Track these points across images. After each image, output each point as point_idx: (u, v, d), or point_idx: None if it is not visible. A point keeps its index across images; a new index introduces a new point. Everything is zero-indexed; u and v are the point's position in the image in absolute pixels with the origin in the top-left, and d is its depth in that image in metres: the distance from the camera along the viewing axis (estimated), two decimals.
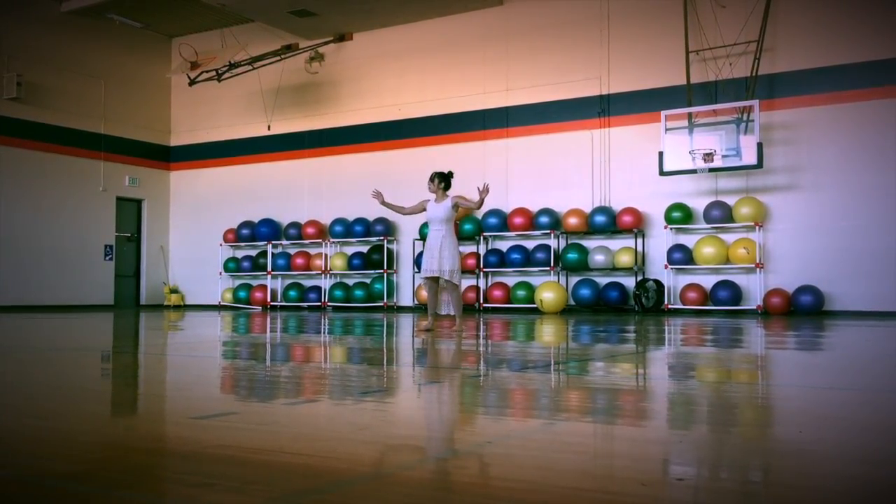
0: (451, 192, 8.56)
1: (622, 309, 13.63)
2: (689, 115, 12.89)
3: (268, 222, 17.19)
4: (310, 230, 16.64)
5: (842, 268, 12.32)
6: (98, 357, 5.95)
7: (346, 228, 16.25)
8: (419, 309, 14.89)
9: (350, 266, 16.07)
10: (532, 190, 14.70)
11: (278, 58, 16.71)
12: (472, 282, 14.83)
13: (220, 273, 17.72)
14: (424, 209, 8.38)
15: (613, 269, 13.70)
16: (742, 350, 6.27)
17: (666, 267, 13.30)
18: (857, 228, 12.29)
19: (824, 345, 6.77)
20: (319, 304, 16.26)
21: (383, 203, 8.57)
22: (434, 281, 8.25)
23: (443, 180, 8.28)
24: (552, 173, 14.58)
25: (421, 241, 15.34)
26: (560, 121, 14.60)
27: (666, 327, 9.21)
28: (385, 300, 15.70)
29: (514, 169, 14.98)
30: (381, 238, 15.85)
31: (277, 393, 3.70)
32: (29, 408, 3.21)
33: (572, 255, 13.85)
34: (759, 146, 12.23)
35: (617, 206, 13.90)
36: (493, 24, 15.39)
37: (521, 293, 14.11)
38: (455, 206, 8.23)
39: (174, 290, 18.51)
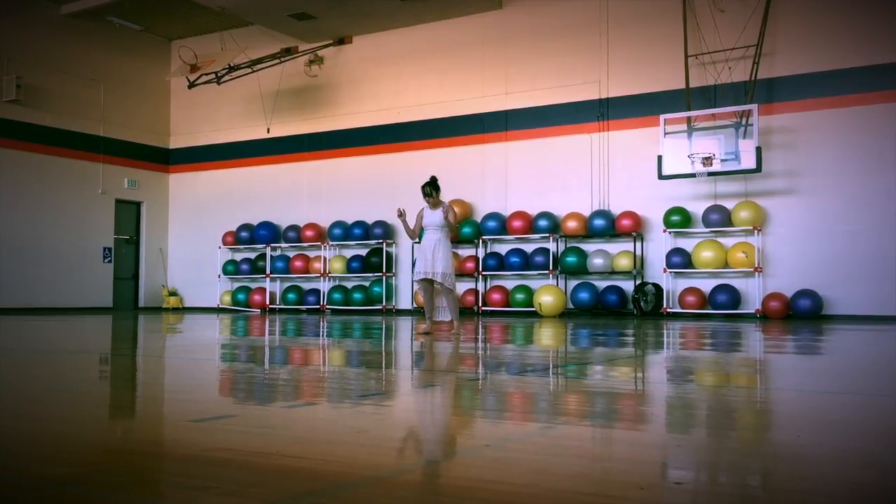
0: (447, 197, 8.62)
1: (621, 313, 13.63)
2: (689, 119, 12.90)
3: (267, 225, 17.18)
4: (309, 233, 16.64)
5: (840, 272, 12.33)
6: (96, 360, 5.95)
7: (345, 231, 16.25)
8: (418, 312, 14.88)
9: (349, 269, 16.06)
10: (531, 193, 14.70)
11: (277, 61, 16.72)
12: (471, 285, 14.84)
13: (219, 276, 17.72)
14: (419, 215, 8.44)
15: (612, 272, 13.69)
16: (740, 354, 6.27)
17: (665, 271, 13.30)
18: (855, 232, 12.30)
19: (822, 349, 6.78)
20: (318, 307, 16.25)
21: (404, 221, 8.45)
22: (429, 283, 8.28)
23: (434, 189, 8.32)
24: (551, 177, 14.59)
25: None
26: (559, 124, 14.61)
27: (664, 331, 9.21)
28: (384, 303, 15.70)
29: (513, 172, 14.98)
30: (380, 241, 15.85)
31: (276, 396, 3.69)
32: (27, 410, 3.21)
33: (571, 259, 13.86)
34: (758, 150, 12.24)
35: (616, 210, 13.91)
36: (492, 28, 15.41)
37: (519, 296, 14.11)
38: (446, 213, 8.27)
39: (173, 293, 18.50)
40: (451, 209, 8.35)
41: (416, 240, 8.79)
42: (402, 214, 8.47)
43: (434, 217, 8.28)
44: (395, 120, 16.27)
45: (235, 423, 2.88)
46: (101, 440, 2.64)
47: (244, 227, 17.46)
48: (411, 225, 8.49)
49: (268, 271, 16.94)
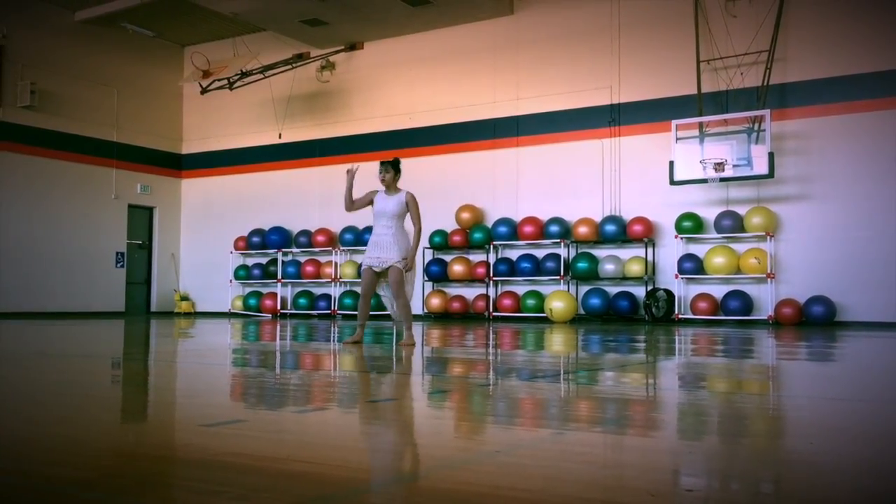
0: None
1: (632, 318, 13.59)
2: (700, 125, 12.86)
3: (278, 230, 17.23)
4: (320, 238, 16.67)
5: (853, 278, 12.25)
6: (108, 364, 5.97)
7: (357, 236, 16.27)
8: (428, 318, 14.88)
9: (360, 275, 16.04)
10: (542, 199, 14.68)
11: (289, 66, 16.78)
12: (482, 290, 14.83)
13: (231, 281, 17.76)
14: (371, 201, 7.21)
15: (623, 278, 13.66)
16: (753, 361, 6.23)
17: (676, 276, 13.25)
18: (868, 238, 12.23)
19: (835, 356, 6.73)
20: (329, 312, 16.27)
21: (349, 184, 7.21)
22: (375, 278, 7.19)
23: (395, 169, 7.14)
24: (562, 182, 14.57)
25: (431, 250, 15.36)
26: (570, 130, 14.60)
27: (676, 337, 9.17)
28: None
29: (525, 178, 14.97)
30: None
31: (286, 401, 3.70)
32: (38, 414, 3.22)
33: (582, 265, 13.82)
34: (771, 156, 12.19)
35: (627, 216, 13.87)
36: (503, 34, 15.42)
37: (530, 302, 14.09)
38: (408, 205, 7.12)
39: (184, 298, 18.56)
40: (415, 203, 7.14)
41: (349, 210, 7.39)
42: (352, 172, 7.26)
43: (389, 204, 7.08)
44: (406, 125, 16.29)
45: (246, 427, 2.88)
46: (113, 444, 2.64)
47: (256, 232, 17.52)
48: (354, 195, 7.21)
49: (279, 276, 16.97)
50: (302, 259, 17.11)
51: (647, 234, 13.54)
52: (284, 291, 17.12)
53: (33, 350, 6.98)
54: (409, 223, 7.27)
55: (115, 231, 17.77)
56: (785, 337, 9.18)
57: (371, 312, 15.88)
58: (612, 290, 13.84)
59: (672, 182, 12.98)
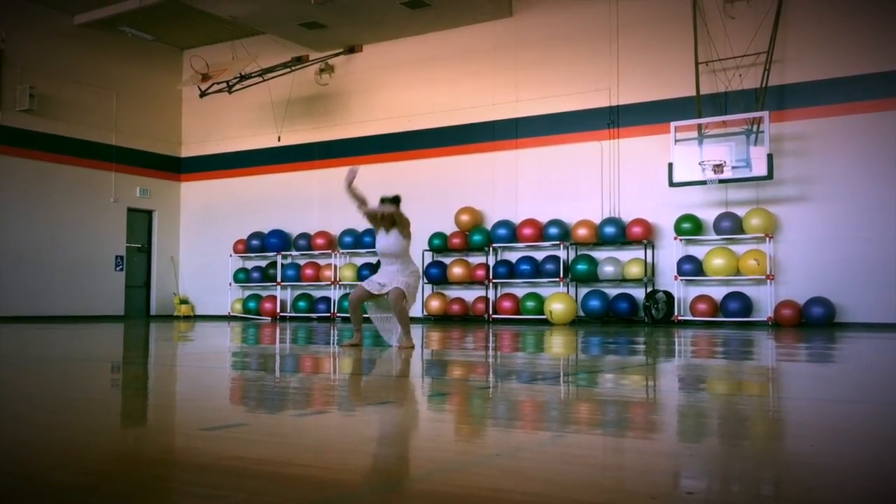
0: (407, 190, 7.85)
1: (632, 320, 13.59)
2: (699, 127, 12.87)
3: (277, 233, 17.23)
4: (319, 241, 16.67)
5: (853, 279, 12.26)
6: (108, 368, 5.97)
7: (356, 239, 16.27)
8: (428, 320, 14.88)
9: (360, 277, 16.05)
10: (541, 201, 14.69)
11: (288, 69, 16.79)
12: (482, 293, 14.83)
13: (230, 284, 17.76)
14: (373, 218, 7.15)
15: (623, 280, 13.66)
16: (753, 362, 6.24)
17: (676, 278, 13.26)
18: (868, 240, 12.23)
19: (835, 357, 6.73)
20: (329, 315, 16.26)
21: (349, 187, 7.20)
22: (367, 297, 7.23)
23: (396, 205, 7.08)
24: (561, 184, 14.58)
25: (430, 252, 15.36)
26: (569, 132, 14.61)
27: (676, 339, 9.17)
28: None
29: (524, 180, 14.98)
30: None
31: (287, 404, 3.70)
32: (38, 418, 3.22)
33: (582, 267, 13.83)
34: (770, 157, 12.20)
35: (626, 218, 13.88)
36: (502, 36, 15.43)
37: (530, 304, 14.09)
38: (403, 230, 7.01)
39: (184, 301, 18.56)
40: (404, 221, 7.04)
41: (356, 203, 7.31)
42: (353, 171, 7.14)
43: (389, 241, 7.03)
44: (405, 128, 16.30)
45: (246, 431, 2.88)
46: (113, 448, 2.64)
47: (255, 235, 17.52)
48: (369, 204, 7.11)
49: (279, 279, 16.97)
50: (301, 262, 17.11)
51: (646, 236, 13.55)
52: (284, 294, 17.12)
53: (34, 354, 6.98)
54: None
55: (115, 234, 17.77)
56: (784, 338, 9.18)
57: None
58: (612, 291, 13.84)
59: (671, 184, 12.98)
